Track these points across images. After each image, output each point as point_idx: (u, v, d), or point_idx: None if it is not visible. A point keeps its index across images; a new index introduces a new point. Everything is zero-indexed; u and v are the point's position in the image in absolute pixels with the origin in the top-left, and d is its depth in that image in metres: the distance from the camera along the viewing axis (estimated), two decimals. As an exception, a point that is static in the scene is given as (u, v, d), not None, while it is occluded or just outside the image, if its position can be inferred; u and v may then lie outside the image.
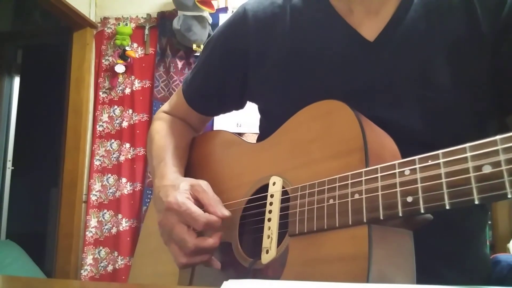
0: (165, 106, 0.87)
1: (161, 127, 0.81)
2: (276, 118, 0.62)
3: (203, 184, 0.62)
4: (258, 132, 0.83)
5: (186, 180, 0.64)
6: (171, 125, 0.82)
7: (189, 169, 0.78)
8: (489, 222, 1.94)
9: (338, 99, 0.53)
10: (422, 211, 0.39)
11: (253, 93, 0.74)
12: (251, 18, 0.70)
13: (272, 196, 0.57)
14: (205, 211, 0.59)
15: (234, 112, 0.84)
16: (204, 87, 0.79)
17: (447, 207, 0.37)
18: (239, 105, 0.81)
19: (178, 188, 0.61)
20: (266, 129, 0.66)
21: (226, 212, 0.59)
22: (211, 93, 0.79)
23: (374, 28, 0.61)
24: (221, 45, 0.75)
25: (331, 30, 0.64)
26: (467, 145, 0.37)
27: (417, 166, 0.40)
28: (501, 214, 1.96)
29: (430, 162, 0.39)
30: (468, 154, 0.36)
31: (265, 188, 0.59)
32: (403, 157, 0.48)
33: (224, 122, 2.31)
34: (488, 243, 1.87)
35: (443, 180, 0.37)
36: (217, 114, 0.88)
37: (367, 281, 0.40)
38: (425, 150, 0.41)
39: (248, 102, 0.80)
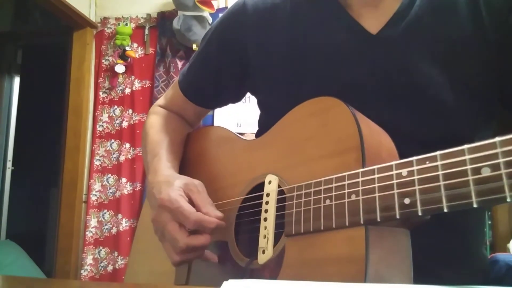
0: (161, 100, 0.86)
1: (155, 122, 0.80)
2: (275, 111, 0.61)
3: (198, 184, 0.62)
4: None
5: (181, 178, 0.63)
6: (166, 120, 0.80)
7: (183, 166, 0.77)
8: (489, 222, 1.94)
9: (334, 93, 0.52)
10: (420, 213, 0.38)
11: (253, 84, 0.73)
12: (251, 9, 0.70)
13: (268, 195, 0.56)
14: (198, 211, 0.58)
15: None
16: (200, 76, 0.78)
17: (445, 210, 0.36)
18: (236, 98, 0.80)
19: (172, 185, 0.60)
20: (265, 123, 0.65)
21: (219, 214, 0.58)
22: (207, 82, 0.78)
23: (376, 22, 0.61)
24: (218, 36, 0.75)
25: (332, 22, 0.63)
26: (465, 146, 0.36)
27: (415, 167, 0.39)
28: (501, 214, 1.96)
29: (428, 164, 0.38)
30: (467, 157, 0.36)
31: (260, 186, 0.58)
32: (398, 157, 0.47)
33: (224, 122, 2.30)
34: (488, 243, 1.88)
35: (441, 182, 0.37)
36: (213, 106, 0.87)
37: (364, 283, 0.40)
38: (420, 150, 0.40)
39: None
